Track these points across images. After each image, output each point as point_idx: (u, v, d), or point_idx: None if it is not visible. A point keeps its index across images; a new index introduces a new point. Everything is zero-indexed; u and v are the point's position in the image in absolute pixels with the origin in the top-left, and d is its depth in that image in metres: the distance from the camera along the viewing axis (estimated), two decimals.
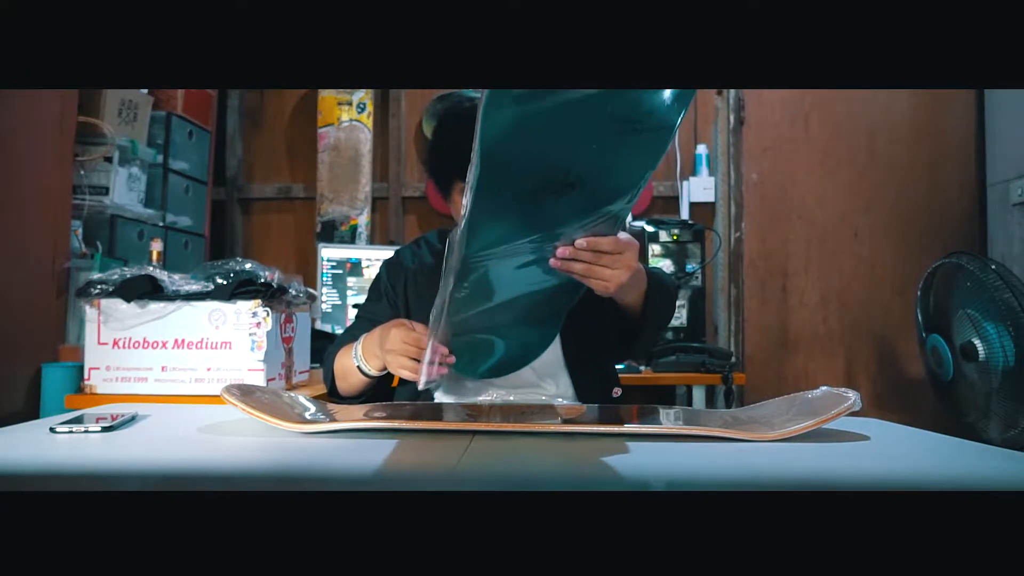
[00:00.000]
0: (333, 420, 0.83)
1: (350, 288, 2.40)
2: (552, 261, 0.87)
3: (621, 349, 1.28)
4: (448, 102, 0.97)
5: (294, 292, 1.50)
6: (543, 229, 0.84)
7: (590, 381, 1.22)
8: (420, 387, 1.04)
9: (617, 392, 1.26)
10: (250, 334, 1.41)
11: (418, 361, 1.01)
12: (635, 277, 0.96)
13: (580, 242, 0.85)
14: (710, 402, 2.46)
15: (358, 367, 1.15)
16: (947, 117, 2.77)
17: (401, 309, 1.27)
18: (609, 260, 0.88)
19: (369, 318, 1.27)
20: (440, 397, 1.21)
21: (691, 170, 2.81)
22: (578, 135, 0.74)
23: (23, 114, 1.70)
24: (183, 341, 1.42)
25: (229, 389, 0.82)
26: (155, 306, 1.41)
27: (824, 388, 0.88)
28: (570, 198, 0.80)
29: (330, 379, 1.25)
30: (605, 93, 0.71)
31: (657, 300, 1.11)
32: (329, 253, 2.42)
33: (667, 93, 0.73)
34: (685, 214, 2.77)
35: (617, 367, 1.35)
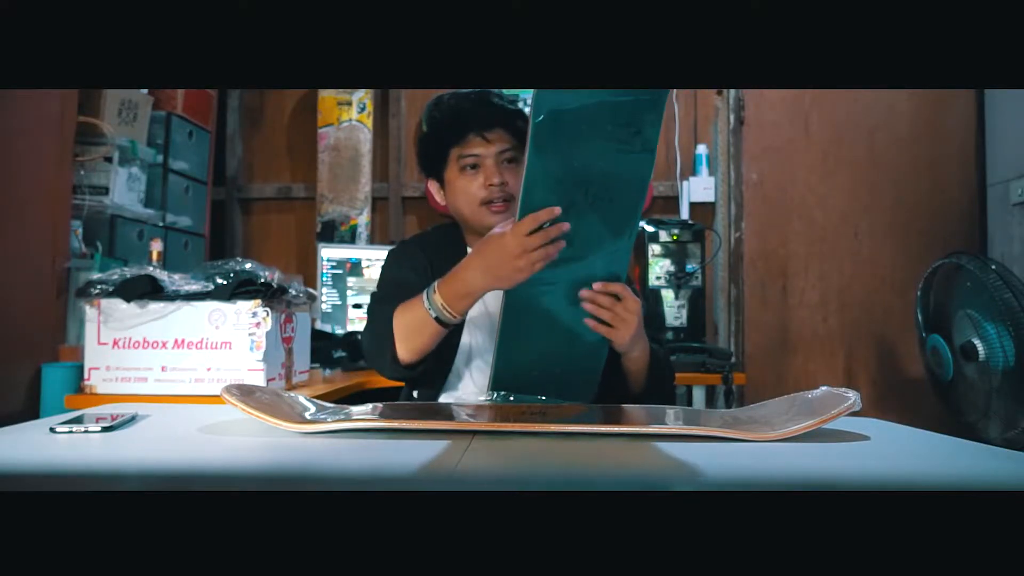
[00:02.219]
0: (333, 420, 0.83)
1: (350, 288, 2.40)
2: (583, 297, 1.05)
3: None
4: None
5: (294, 292, 1.50)
6: (573, 249, 1.00)
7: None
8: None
9: None
10: (250, 334, 1.41)
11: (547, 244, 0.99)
12: (639, 334, 1.11)
13: (597, 285, 1.04)
14: (710, 402, 2.46)
15: (436, 318, 1.08)
16: (947, 117, 2.77)
17: (429, 275, 1.20)
18: (621, 308, 1.06)
19: (398, 283, 1.21)
20: (443, 398, 1.21)
21: (691, 170, 2.81)
22: (591, 147, 0.93)
23: (23, 114, 1.70)
24: (183, 341, 1.42)
25: (229, 389, 0.82)
26: (155, 306, 1.42)
27: (824, 388, 0.87)
28: (591, 216, 0.98)
29: (390, 344, 1.12)
30: (603, 105, 0.90)
31: (655, 371, 1.19)
32: (329, 253, 2.42)
33: (646, 114, 0.93)
34: (685, 214, 2.77)
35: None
